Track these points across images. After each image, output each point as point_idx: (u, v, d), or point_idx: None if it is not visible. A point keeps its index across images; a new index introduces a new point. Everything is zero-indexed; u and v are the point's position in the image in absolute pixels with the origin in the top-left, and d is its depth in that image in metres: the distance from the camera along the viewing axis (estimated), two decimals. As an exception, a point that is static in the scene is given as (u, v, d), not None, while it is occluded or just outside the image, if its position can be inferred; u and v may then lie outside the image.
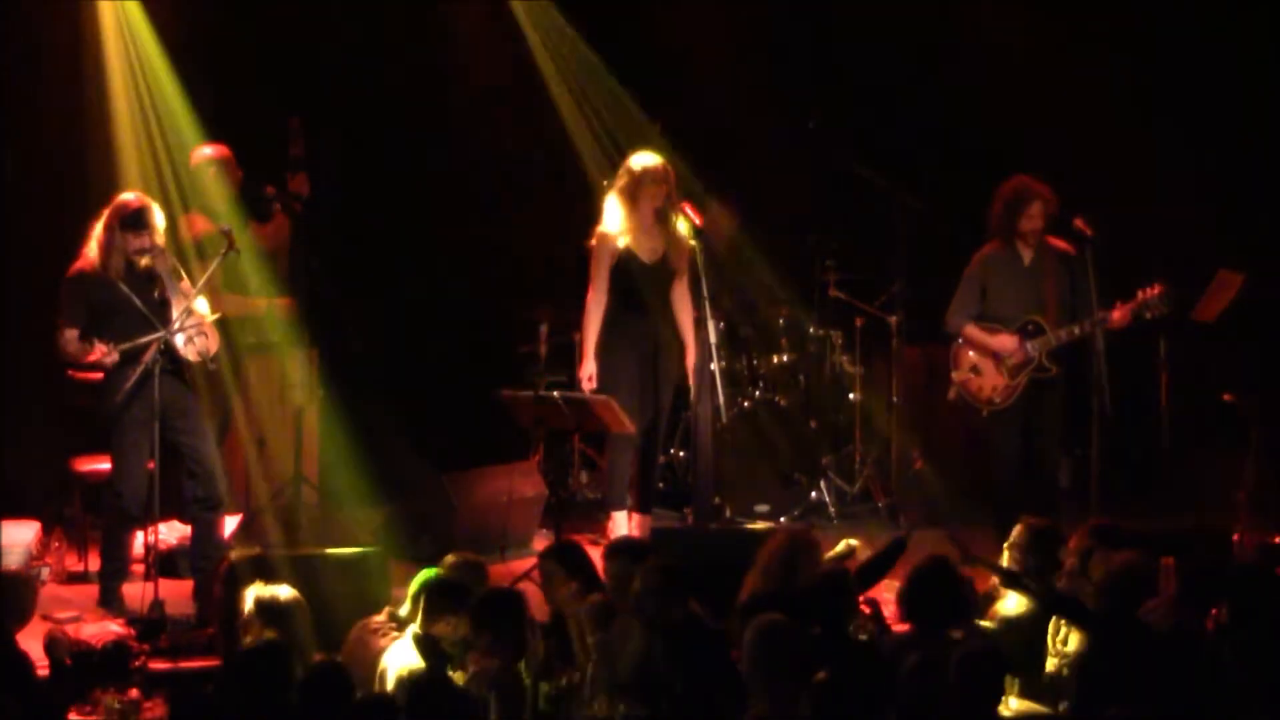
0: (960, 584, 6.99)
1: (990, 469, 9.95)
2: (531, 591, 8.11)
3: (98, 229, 8.86)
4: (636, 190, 9.70)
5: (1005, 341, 9.69)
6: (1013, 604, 7.44)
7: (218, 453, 9.15)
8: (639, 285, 9.78)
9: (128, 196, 8.94)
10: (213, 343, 8.91)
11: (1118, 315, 9.58)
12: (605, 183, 10.15)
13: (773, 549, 7.46)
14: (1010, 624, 7.36)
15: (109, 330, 8.79)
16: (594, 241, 9.84)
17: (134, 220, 8.80)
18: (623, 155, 10.02)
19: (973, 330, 9.79)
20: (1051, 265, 9.71)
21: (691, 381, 9.85)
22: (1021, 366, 9.70)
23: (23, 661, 6.94)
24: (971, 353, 9.81)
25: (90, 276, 8.85)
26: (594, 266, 9.83)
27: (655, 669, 6.54)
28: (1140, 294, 9.60)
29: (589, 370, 9.79)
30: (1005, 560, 7.69)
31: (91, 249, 8.87)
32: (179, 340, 8.79)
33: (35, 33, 10.38)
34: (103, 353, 8.72)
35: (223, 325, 9.23)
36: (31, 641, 7.96)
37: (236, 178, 9.95)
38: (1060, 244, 9.72)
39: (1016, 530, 7.69)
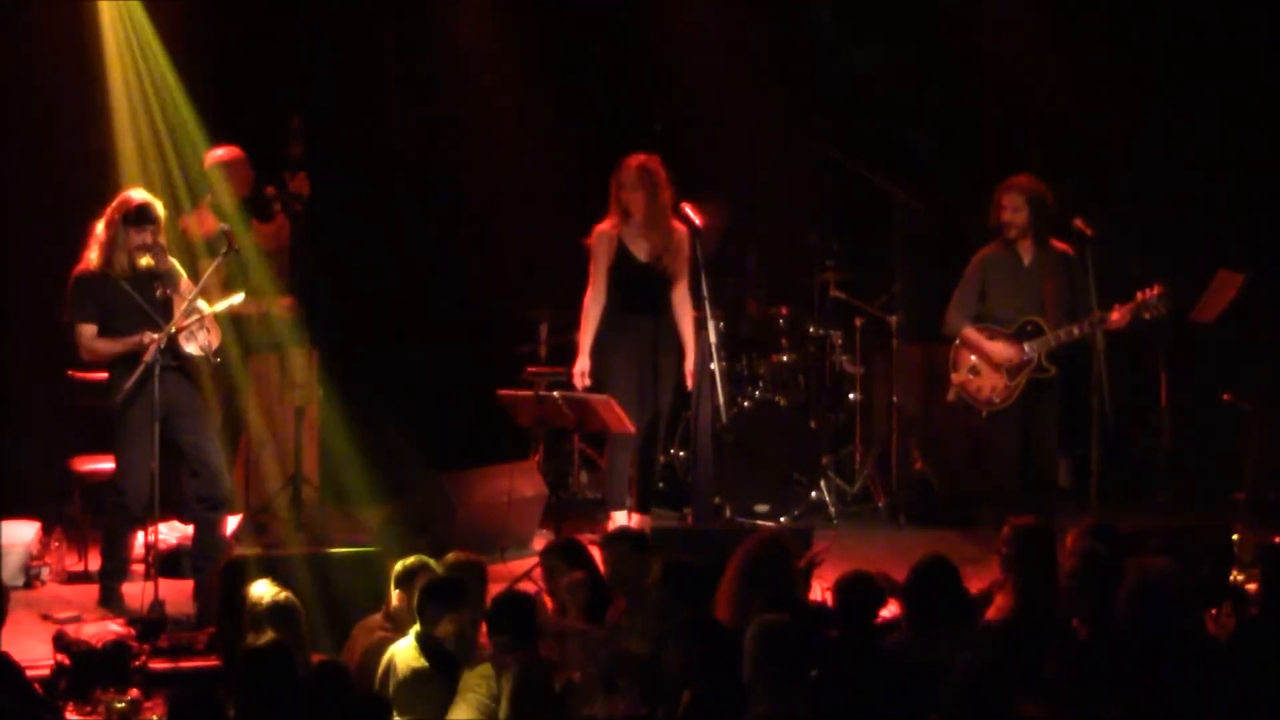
0: (962, 584, 6.93)
1: (989, 470, 9.95)
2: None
3: (100, 227, 8.84)
4: (620, 191, 9.77)
5: (1001, 349, 9.69)
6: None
7: (221, 452, 9.14)
8: (636, 284, 9.80)
9: (132, 193, 8.93)
10: (215, 337, 8.89)
11: (1116, 316, 9.56)
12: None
13: (745, 553, 7.34)
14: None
15: (112, 329, 8.78)
16: (592, 240, 9.89)
17: (139, 215, 8.78)
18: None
19: (970, 332, 9.79)
20: (1051, 266, 9.70)
21: (691, 382, 9.86)
22: (1020, 367, 9.70)
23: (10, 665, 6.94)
24: (970, 354, 9.81)
25: (95, 275, 8.83)
26: (591, 265, 9.88)
27: (658, 668, 6.53)
28: (1139, 295, 9.58)
29: (582, 366, 9.81)
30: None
31: (93, 248, 8.85)
32: (181, 338, 8.77)
33: (35, 33, 10.37)
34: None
35: (233, 323, 9.22)
36: (31, 641, 7.99)
37: (248, 178, 9.95)
38: (1062, 245, 9.72)
39: (1004, 532, 7.34)
